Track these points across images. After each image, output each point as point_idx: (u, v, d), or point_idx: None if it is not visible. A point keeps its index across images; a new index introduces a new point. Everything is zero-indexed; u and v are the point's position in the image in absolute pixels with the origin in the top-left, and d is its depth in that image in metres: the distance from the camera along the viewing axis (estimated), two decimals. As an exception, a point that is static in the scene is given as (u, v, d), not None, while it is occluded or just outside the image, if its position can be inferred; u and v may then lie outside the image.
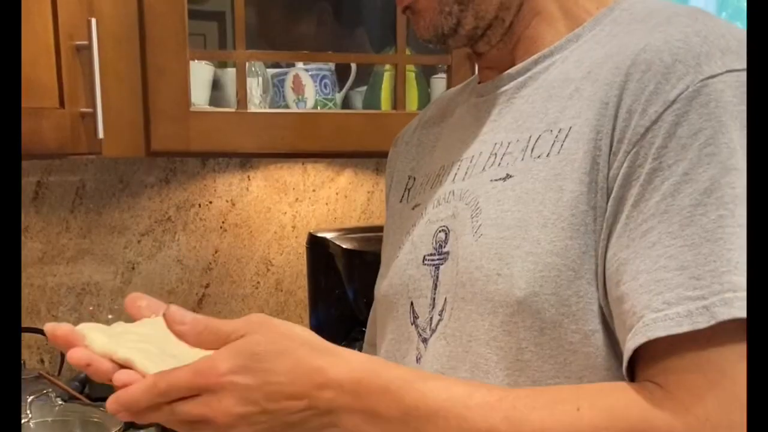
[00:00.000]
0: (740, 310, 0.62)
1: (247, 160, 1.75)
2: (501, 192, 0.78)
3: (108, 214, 1.69)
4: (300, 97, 1.51)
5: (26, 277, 1.65)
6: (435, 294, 0.84)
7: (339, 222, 1.83)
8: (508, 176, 0.78)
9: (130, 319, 0.75)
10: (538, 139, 0.77)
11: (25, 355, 1.65)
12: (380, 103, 1.56)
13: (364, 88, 1.61)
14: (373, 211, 1.85)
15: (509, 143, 0.80)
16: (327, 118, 1.48)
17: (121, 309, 1.69)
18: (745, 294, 0.62)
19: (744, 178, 0.65)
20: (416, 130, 1.01)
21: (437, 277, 0.84)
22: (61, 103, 1.25)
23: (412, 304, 0.87)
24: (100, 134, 1.27)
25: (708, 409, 0.63)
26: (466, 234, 0.80)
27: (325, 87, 1.53)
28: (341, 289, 1.61)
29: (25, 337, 1.64)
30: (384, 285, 0.92)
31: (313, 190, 1.81)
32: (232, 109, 1.42)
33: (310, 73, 1.51)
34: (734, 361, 0.63)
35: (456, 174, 0.86)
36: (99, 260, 1.70)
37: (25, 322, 1.64)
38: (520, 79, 0.83)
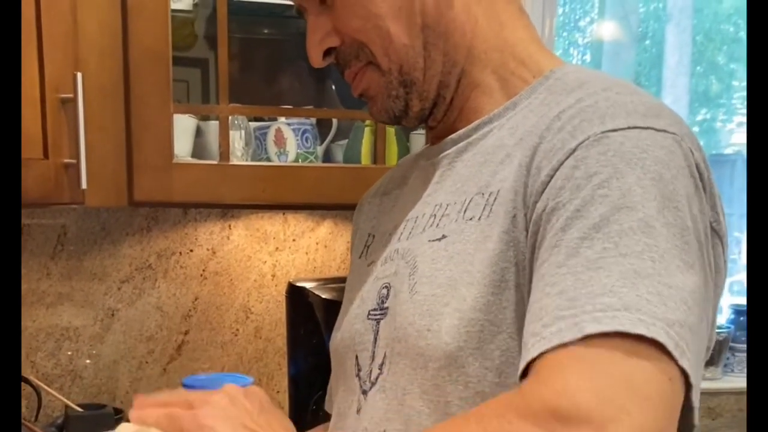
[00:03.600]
0: (608, 326, 0.62)
1: (228, 209, 1.77)
2: (435, 251, 0.81)
3: (89, 261, 1.70)
4: (282, 150, 1.54)
5: (5, 322, 1.65)
6: (375, 348, 0.87)
7: (318, 271, 1.85)
8: (443, 236, 0.82)
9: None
10: (470, 201, 0.81)
11: (1, 400, 1.65)
12: (360, 157, 1.58)
13: (345, 141, 1.64)
14: (353, 260, 1.87)
15: (447, 205, 0.84)
16: (308, 171, 1.50)
17: (99, 354, 1.70)
18: (616, 313, 0.62)
19: (637, 214, 0.66)
20: (379, 190, 1.05)
21: (377, 332, 0.87)
22: (45, 154, 1.26)
23: (357, 357, 0.89)
24: (84, 185, 1.28)
25: (568, 381, 0.61)
26: (403, 291, 0.83)
27: (307, 141, 1.55)
28: (319, 338, 1.62)
29: (2, 382, 1.64)
30: (336, 338, 0.96)
31: (294, 240, 1.83)
32: (215, 162, 1.45)
33: (291, 127, 1.53)
34: (603, 361, 0.62)
35: (402, 233, 0.90)
36: (79, 306, 1.70)
37: (3, 368, 1.64)
38: (460, 144, 0.87)
